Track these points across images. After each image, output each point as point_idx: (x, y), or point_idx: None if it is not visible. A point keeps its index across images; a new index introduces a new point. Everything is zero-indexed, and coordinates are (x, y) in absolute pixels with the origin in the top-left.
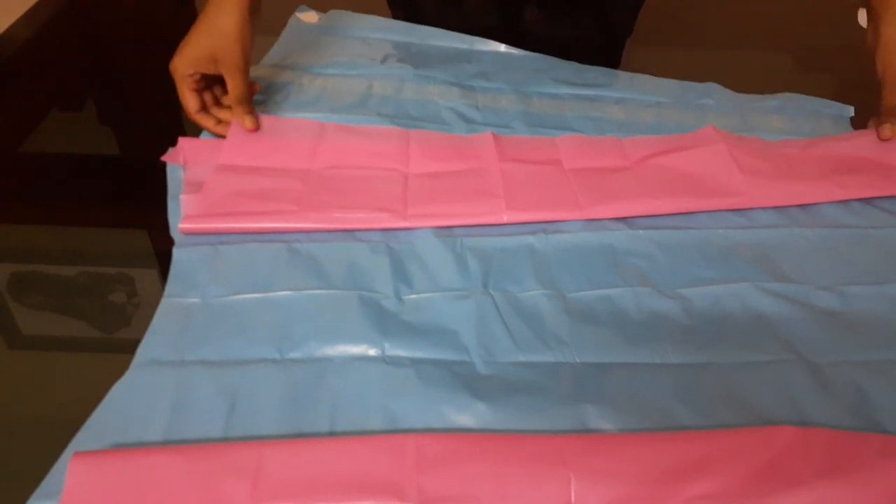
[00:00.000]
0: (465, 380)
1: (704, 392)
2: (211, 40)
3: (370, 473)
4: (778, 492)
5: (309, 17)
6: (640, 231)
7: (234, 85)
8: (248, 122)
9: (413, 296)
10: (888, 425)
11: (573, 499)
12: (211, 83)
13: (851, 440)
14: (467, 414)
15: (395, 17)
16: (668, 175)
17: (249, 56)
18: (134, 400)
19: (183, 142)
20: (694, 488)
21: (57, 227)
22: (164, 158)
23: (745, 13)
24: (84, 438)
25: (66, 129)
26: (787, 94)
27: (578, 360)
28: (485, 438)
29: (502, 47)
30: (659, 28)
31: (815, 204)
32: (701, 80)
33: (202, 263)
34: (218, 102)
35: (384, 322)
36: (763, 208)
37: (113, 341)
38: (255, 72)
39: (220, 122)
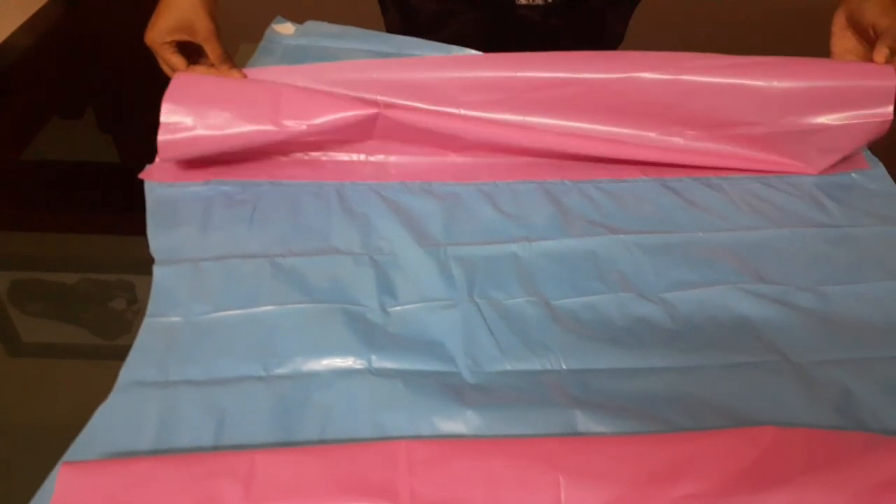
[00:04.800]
0: (454, 389)
1: (691, 395)
2: (180, 12)
3: (363, 477)
4: (763, 491)
5: (285, 28)
6: (622, 236)
7: (211, 49)
8: (235, 75)
9: (398, 307)
10: (872, 423)
11: (563, 500)
12: (186, 52)
13: (835, 438)
14: (456, 423)
15: (388, 14)
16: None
17: (217, 17)
18: (119, 423)
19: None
20: (681, 489)
21: (57, 235)
22: (141, 176)
23: (737, 20)
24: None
25: (65, 136)
26: None
27: (565, 367)
28: (474, 443)
29: (480, 55)
30: (651, 36)
31: (792, 208)
32: None
33: (183, 281)
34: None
35: (370, 335)
36: (741, 209)
37: (113, 348)
38: None
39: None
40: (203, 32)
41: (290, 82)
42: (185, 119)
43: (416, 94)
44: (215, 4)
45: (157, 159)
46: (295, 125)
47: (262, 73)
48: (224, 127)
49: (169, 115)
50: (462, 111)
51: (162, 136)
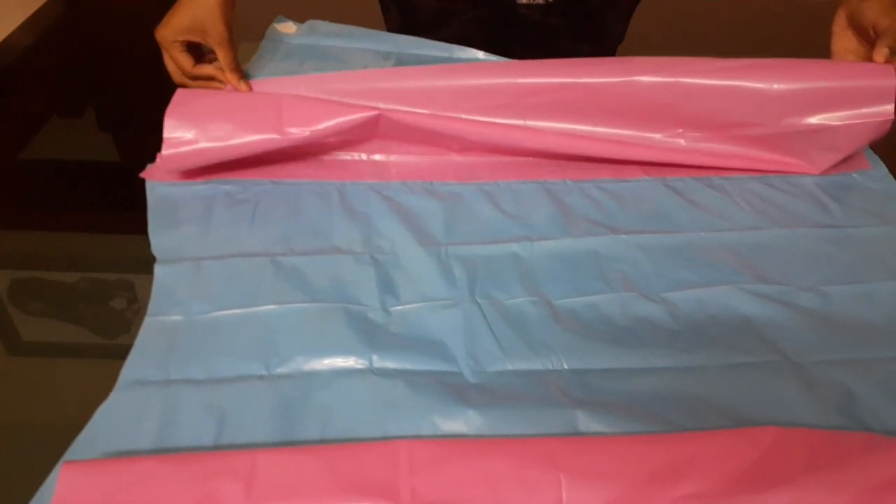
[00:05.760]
0: (455, 389)
1: (692, 395)
2: (196, 14)
3: (364, 476)
4: (764, 491)
5: (287, 27)
6: (623, 236)
7: (223, 55)
8: (242, 86)
9: (399, 307)
10: (874, 423)
11: (564, 500)
12: (193, 52)
13: (836, 439)
14: (458, 423)
15: (389, 13)
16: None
17: (232, 25)
18: (120, 422)
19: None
20: (682, 488)
21: (57, 234)
22: (142, 175)
23: (739, 20)
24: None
25: (65, 135)
26: None
27: (566, 367)
28: (476, 442)
29: (481, 54)
30: (651, 36)
31: (795, 209)
32: None
33: (184, 280)
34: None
35: (371, 334)
36: (742, 209)
37: (114, 347)
38: None
39: (211, 78)
40: (216, 38)
41: (292, 93)
42: (187, 133)
43: (418, 103)
44: (232, 11)
45: (157, 160)
46: (298, 132)
47: (265, 84)
48: (227, 138)
49: (172, 130)
50: (464, 117)
51: (166, 151)
